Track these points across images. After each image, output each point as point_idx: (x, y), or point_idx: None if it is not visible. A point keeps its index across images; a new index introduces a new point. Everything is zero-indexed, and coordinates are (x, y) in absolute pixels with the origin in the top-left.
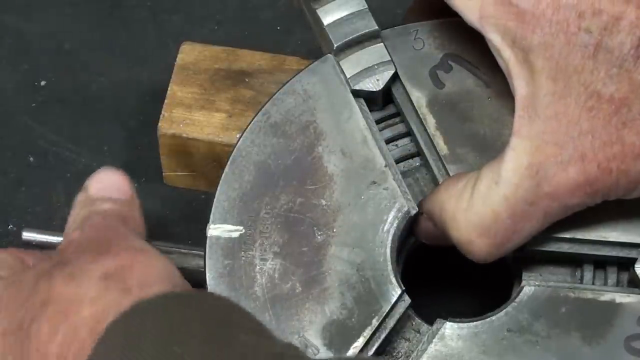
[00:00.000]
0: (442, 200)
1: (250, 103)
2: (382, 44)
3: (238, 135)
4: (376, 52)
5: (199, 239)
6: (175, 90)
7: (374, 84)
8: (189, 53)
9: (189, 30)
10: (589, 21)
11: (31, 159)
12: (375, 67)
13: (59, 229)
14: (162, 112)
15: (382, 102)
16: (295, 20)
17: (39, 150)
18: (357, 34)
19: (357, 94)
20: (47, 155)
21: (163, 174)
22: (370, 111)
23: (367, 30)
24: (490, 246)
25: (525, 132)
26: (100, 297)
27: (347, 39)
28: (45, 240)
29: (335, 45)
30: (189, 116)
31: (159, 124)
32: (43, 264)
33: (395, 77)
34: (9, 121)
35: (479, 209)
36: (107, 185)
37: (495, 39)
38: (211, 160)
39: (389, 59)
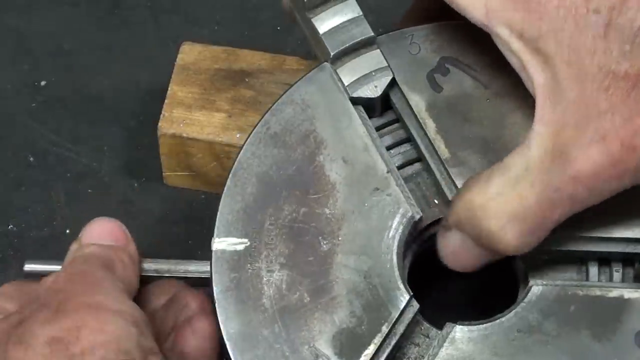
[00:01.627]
0: (469, 199)
1: (250, 103)
2: (378, 50)
3: (238, 147)
4: (373, 58)
5: (199, 239)
6: (175, 90)
7: (372, 90)
8: (189, 53)
9: (189, 30)
10: (597, 2)
11: (31, 159)
12: (373, 73)
13: (59, 229)
14: (162, 112)
15: (381, 109)
16: None
17: (39, 150)
18: (353, 41)
19: (355, 101)
20: (47, 155)
21: (163, 174)
22: (370, 118)
23: (363, 37)
24: (521, 233)
25: (548, 118)
26: None
27: (343, 47)
28: (47, 270)
29: (332, 54)
30: (189, 116)
31: (159, 124)
32: (11, 319)
33: (393, 83)
34: (9, 121)
35: (507, 195)
36: (100, 232)
37: (503, 32)
38: (211, 160)
39: (386, 64)
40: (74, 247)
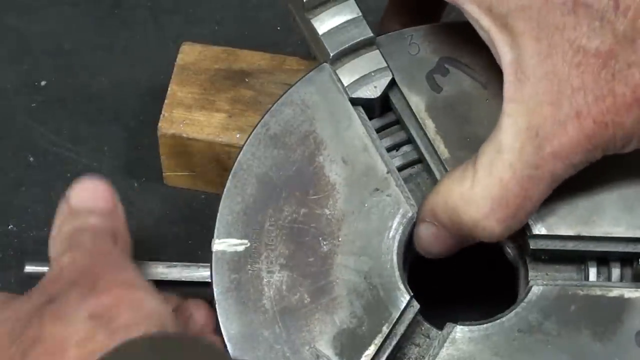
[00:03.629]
0: (445, 192)
1: (250, 103)
2: (377, 50)
3: (238, 149)
4: (372, 59)
5: (199, 239)
6: (175, 90)
7: (372, 91)
8: (189, 53)
9: (189, 30)
10: None
11: (31, 159)
12: (372, 74)
13: None
14: (162, 112)
15: (380, 110)
16: None
17: (39, 150)
18: (353, 42)
19: (355, 102)
20: (47, 155)
21: (163, 174)
22: (369, 119)
23: (362, 38)
24: (505, 218)
25: (518, 96)
26: (87, 338)
27: (342, 48)
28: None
29: (331, 55)
30: (189, 116)
31: (159, 124)
32: (35, 298)
33: (392, 84)
34: (9, 121)
35: (486, 181)
36: (91, 194)
37: (472, 9)
38: (211, 160)
39: (386, 65)
40: (64, 209)
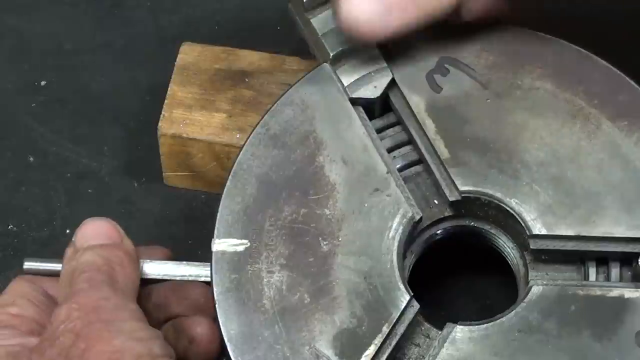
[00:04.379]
0: None
1: (250, 103)
2: (377, 50)
3: (238, 149)
4: (372, 59)
5: (199, 239)
6: (175, 90)
7: (372, 91)
8: (189, 53)
9: (189, 30)
10: None
11: (31, 159)
12: (372, 74)
13: (59, 229)
14: (162, 112)
15: (380, 110)
16: None
17: (39, 150)
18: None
19: (355, 101)
20: (47, 155)
21: (163, 174)
22: (370, 119)
23: None
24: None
25: None
26: None
27: (342, 48)
28: (46, 268)
29: (331, 55)
30: (189, 116)
31: (159, 124)
32: None
33: (392, 84)
34: (9, 121)
35: None
36: (92, 233)
37: None
38: (211, 161)
39: (385, 65)
40: (69, 251)
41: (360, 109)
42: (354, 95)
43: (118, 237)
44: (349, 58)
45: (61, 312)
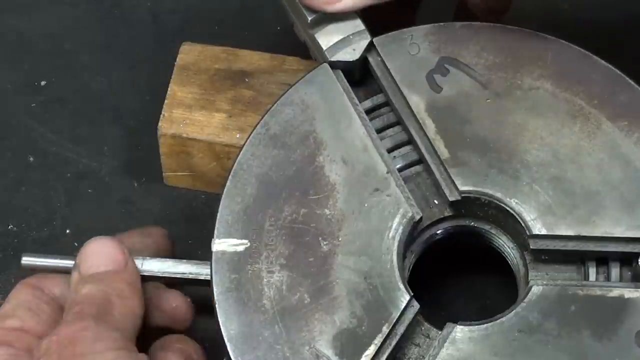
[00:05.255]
0: None
1: (250, 103)
2: (355, 14)
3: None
4: (350, 22)
5: (199, 239)
6: (175, 90)
7: (351, 54)
8: (189, 53)
9: (189, 30)
10: None
11: (31, 159)
12: (351, 37)
13: (59, 229)
14: (162, 112)
15: (360, 73)
16: None
17: (39, 150)
18: None
19: (334, 65)
20: (47, 155)
21: (163, 174)
22: (350, 84)
23: None
24: None
25: None
26: None
27: (320, 12)
28: (44, 264)
29: (309, 19)
30: (189, 116)
31: (159, 124)
32: None
33: (371, 48)
34: (9, 121)
35: None
36: (97, 257)
37: None
38: (211, 161)
39: (363, 28)
40: (75, 277)
41: (361, 109)
42: (333, 59)
43: (122, 261)
44: (327, 22)
45: (42, 345)
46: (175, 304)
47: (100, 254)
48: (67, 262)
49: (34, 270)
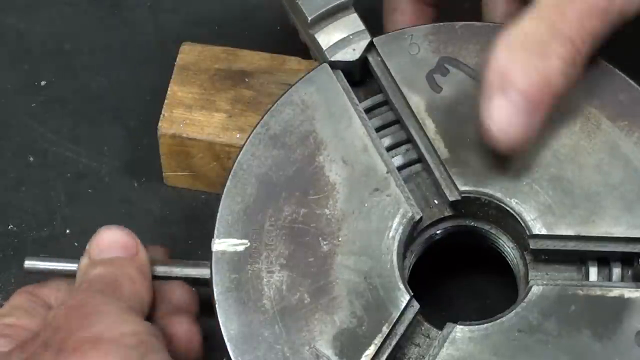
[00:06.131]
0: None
1: (250, 103)
2: (355, 14)
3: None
4: (350, 22)
5: (199, 239)
6: (175, 90)
7: (351, 54)
8: (189, 53)
9: (189, 30)
10: None
11: (31, 159)
12: (351, 37)
13: (59, 229)
14: (162, 112)
15: (360, 73)
16: None
17: (39, 150)
18: (330, 6)
19: (334, 65)
20: (47, 155)
21: (163, 174)
22: (350, 85)
23: (339, 2)
24: None
25: None
26: None
27: (320, 11)
28: (47, 267)
29: (309, 19)
30: (189, 116)
31: (159, 124)
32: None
33: (371, 48)
34: (9, 121)
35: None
36: (108, 243)
37: None
38: (211, 161)
39: (363, 28)
40: (84, 262)
41: (361, 109)
42: (333, 59)
43: (134, 248)
44: (327, 21)
45: (50, 314)
46: (180, 292)
47: (111, 241)
48: (70, 265)
49: (36, 273)
